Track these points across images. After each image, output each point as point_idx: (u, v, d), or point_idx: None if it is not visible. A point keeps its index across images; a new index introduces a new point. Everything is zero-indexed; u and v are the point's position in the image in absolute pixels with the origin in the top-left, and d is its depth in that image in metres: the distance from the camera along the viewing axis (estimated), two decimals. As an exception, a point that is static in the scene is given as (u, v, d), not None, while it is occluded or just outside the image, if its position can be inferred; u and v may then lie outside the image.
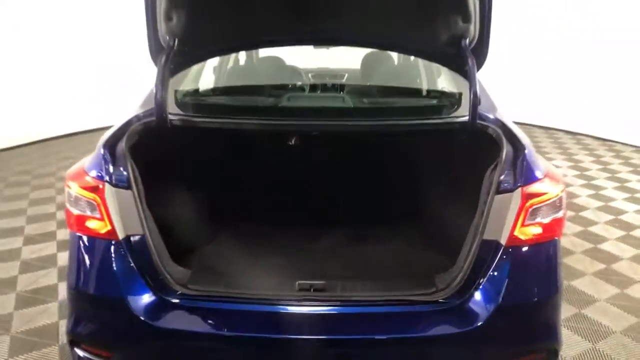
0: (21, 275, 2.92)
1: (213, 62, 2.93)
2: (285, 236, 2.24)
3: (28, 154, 5.58)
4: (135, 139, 1.75)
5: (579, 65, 6.38)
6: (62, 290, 2.75)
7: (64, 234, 3.50)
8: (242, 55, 3.34)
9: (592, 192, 4.41)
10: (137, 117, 1.87)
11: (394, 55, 3.01)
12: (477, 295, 1.50)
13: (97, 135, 1.87)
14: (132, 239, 1.57)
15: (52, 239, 3.40)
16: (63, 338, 2.34)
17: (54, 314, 2.55)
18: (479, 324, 1.47)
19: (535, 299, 1.54)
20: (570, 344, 2.35)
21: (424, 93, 2.50)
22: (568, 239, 3.46)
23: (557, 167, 5.17)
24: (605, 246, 3.37)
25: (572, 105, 6.58)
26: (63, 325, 2.41)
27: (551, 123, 6.92)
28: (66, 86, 6.17)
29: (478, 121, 1.80)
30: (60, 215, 3.85)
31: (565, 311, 2.58)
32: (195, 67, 2.43)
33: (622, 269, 3.07)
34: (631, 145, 5.96)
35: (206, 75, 2.77)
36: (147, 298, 1.53)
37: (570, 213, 3.93)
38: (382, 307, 1.54)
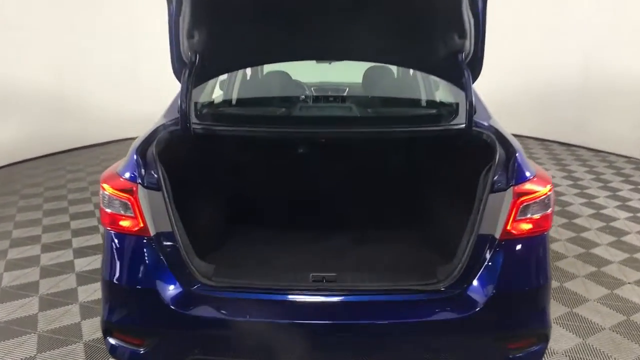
0: (42, 280, 3.07)
1: (222, 76, 3.14)
2: (297, 236, 2.40)
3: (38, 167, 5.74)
4: (162, 145, 1.93)
5: (570, 76, 6.56)
6: (82, 293, 2.91)
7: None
8: (249, 70, 3.55)
9: (584, 200, 4.59)
10: (164, 126, 2.05)
11: (394, 68, 3.21)
12: (475, 284, 1.66)
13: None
14: (162, 235, 1.73)
15: (68, 247, 3.55)
16: (86, 336, 2.49)
17: (76, 315, 2.69)
18: (476, 310, 1.62)
19: (527, 287, 1.70)
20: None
21: (424, 103, 2.70)
22: (562, 244, 3.63)
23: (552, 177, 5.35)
24: (596, 251, 3.54)
25: (565, 116, 6.76)
26: (85, 325, 2.56)
27: (546, 135, 7.11)
28: (74, 100, 6.38)
29: (473, 128, 1.98)
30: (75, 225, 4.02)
31: (557, 310, 2.74)
32: (210, 81, 2.62)
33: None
34: (623, 156, 6.15)
35: (217, 88, 2.97)
36: (176, 289, 1.68)
37: (563, 219, 4.10)
38: (389, 295, 1.70)
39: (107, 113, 6.68)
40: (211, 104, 2.56)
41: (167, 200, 1.74)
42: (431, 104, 2.63)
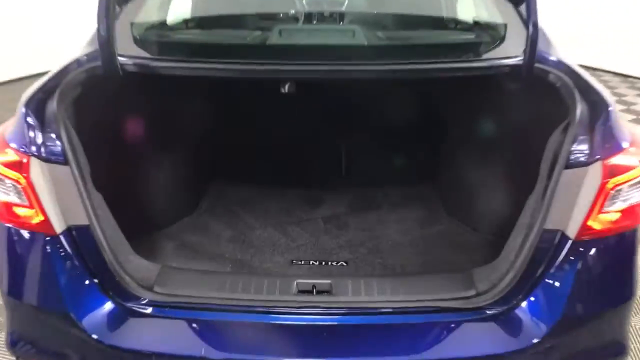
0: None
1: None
2: (279, 204, 1.88)
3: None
4: (75, 92, 1.30)
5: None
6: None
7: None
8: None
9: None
10: (78, 62, 1.38)
11: None
12: (531, 303, 1.15)
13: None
14: (75, 231, 1.18)
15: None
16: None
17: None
18: (533, 341, 1.12)
19: (607, 307, 1.20)
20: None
21: (452, 24, 1.93)
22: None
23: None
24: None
25: (590, 38, 5.99)
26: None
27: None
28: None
29: (536, 65, 1.33)
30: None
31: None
32: None
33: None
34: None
35: (172, 3, 2.15)
36: (99, 309, 1.16)
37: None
38: (404, 315, 1.18)
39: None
40: (159, 25, 1.80)
41: (78, 178, 1.16)
42: (464, 24, 1.87)
